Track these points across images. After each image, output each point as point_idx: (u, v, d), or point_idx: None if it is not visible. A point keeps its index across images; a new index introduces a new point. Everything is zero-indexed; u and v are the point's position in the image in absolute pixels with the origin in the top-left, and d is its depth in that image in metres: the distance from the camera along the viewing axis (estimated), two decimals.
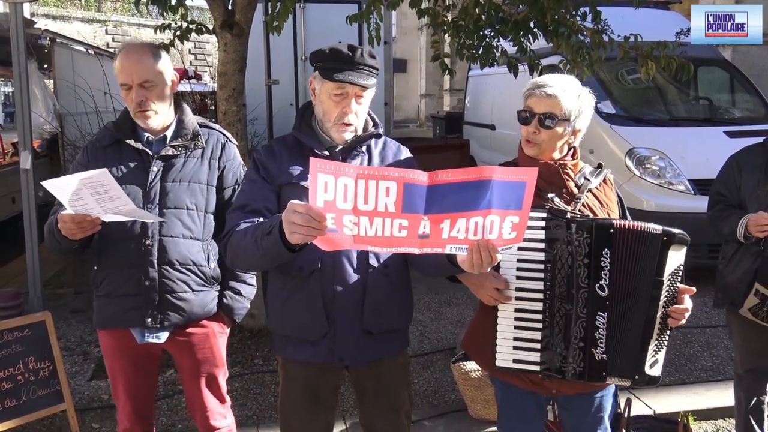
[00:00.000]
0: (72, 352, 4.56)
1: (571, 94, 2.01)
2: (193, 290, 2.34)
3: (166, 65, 2.33)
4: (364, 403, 2.24)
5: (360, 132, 2.08)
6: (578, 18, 4.77)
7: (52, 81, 7.89)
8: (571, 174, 2.08)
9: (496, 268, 1.99)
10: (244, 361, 4.33)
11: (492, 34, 5.21)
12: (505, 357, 2.04)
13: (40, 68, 8.02)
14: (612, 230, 1.93)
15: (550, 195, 2.02)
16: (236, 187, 2.40)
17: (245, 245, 1.85)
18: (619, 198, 2.20)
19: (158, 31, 4.77)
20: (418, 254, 1.61)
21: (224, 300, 2.44)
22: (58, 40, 7.87)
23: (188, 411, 2.63)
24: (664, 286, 1.95)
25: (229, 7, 4.22)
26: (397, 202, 1.49)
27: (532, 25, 4.78)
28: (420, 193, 1.50)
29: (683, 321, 2.00)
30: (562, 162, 2.07)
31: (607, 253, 1.93)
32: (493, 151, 8.92)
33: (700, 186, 5.65)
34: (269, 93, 8.23)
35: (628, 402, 2.84)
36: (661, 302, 1.96)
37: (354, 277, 2.04)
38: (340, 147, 2.04)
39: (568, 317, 1.98)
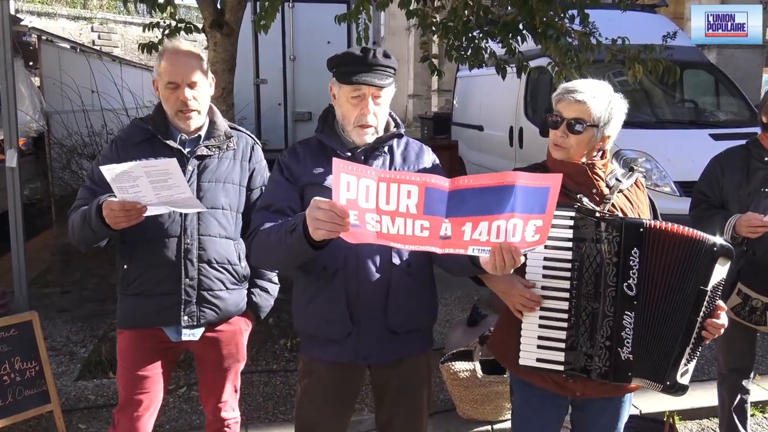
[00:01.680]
0: (58, 352, 4.52)
1: (601, 101, 2.01)
2: (227, 288, 2.40)
3: (207, 70, 2.39)
4: (384, 402, 2.24)
5: (381, 132, 2.09)
6: (566, 20, 4.81)
7: (38, 79, 7.81)
8: (601, 174, 2.06)
9: (522, 267, 1.98)
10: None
11: (481, 35, 5.24)
12: (528, 356, 2.03)
13: (26, 66, 7.94)
14: (642, 229, 1.91)
15: (579, 195, 2.01)
16: (263, 188, 2.47)
17: (270, 243, 1.89)
18: (651, 201, 2.19)
19: (147, 29, 4.76)
20: (441, 254, 1.62)
21: (253, 298, 2.52)
22: (44, 37, 7.81)
23: (201, 399, 2.64)
24: (706, 297, 1.92)
25: (219, 7, 4.21)
26: (418, 204, 1.52)
27: (521, 27, 4.81)
28: (441, 198, 1.52)
29: (716, 335, 1.98)
30: (591, 162, 2.06)
31: (636, 252, 1.91)
32: (481, 152, 8.96)
33: (685, 188, 5.70)
34: (257, 92, 8.22)
35: None
36: (701, 313, 1.93)
37: (377, 276, 2.04)
38: (362, 148, 2.06)
39: (595, 316, 1.97)
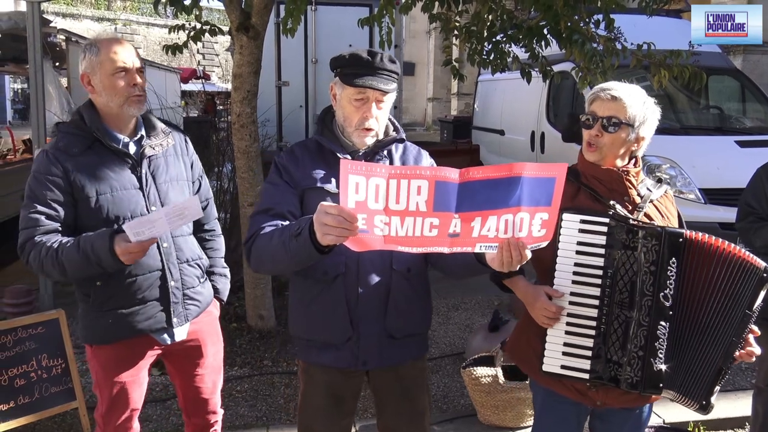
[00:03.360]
0: (81, 350, 4.56)
1: (636, 100, 2.00)
2: (200, 282, 2.43)
3: None
4: (385, 407, 2.24)
5: (381, 136, 2.08)
6: (592, 25, 4.78)
7: (66, 79, 7.93)
8: (634, 182, 2.04)
9: (552, 272, 1.98)
10: (253, 363, 4.34)
11: (504, 39, 5.22)
12: (553, 362, 2.01)
13: (54, 67, 8.07)
14: (681, 239, 1.89)
15: (612, 202, 1.99)
16: (200, 179, 2.52)
17: (272, 248, 1.85)
18: (678, 213, 2.17)
19: (172, 31, 4.81)
20: (447, 254, 1.61)
21: (216, 284, 2.58)
22: (72, 38, 7.92)
23: (183, 403, 2.59)
24: (751, 320, 1.89)
25: (245, 10, 4.24)
26: (428, 200, 1.50)
27: (545, 31, 4.78)
28: (451, 191, 1.50)
29: (750, 360, 1.95)
30: (625, 169, 2.03)
31: (674, 263, 1.89)
32: (502, 156, 8.93)
33: (710, 195, 5.65)
34: (279, 95, 8.27)
35: None
36: (743, 335, 1.89)
37: (377, 281, 2.04)
38: (362, 151, 2.05)
39: (628, 324, 1.93)
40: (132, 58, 2.21)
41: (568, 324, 1.99)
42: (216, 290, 2.57)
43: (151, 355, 2.38)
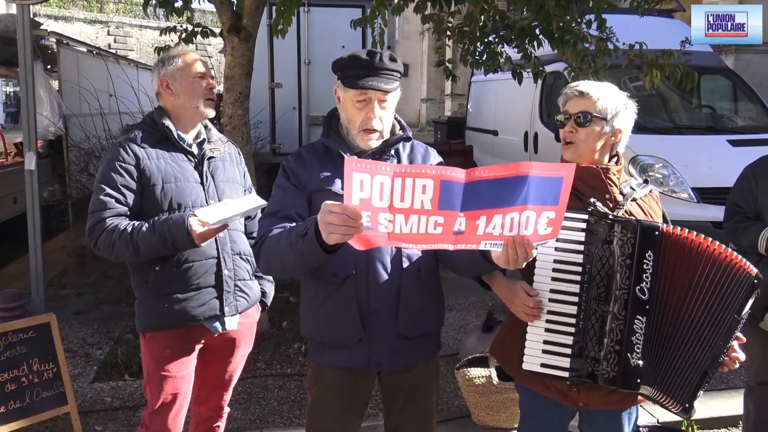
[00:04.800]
0: (74, 354, 4.55)
1: (605, 92, 2.02)
2: (251, 278, 2.57)
3: None
4: (394, 407, 2.22)
5: (387, 136, 2.07)
6: (584, 25, 4.79)
7: (57, 82, 7.89)
8: (614, 179, 2.04)
9: (531, 270, 1.97)
10: (246, 365, 4.30)
11: (497, 40, 5.23)
12: (532, 360, 2.00)
13: (45, 69, 8.04)
14: (657, 233, 1.88)
15: (592, 199, 1.99)
16: (250, 190, 2.68)
17: (280, 249, 1.85)
18: (663, 213, 2.16)
19: (163, 33, 4.79)
20: (452, 251, 1.60)
21: (263, 287, 2.68)
22: (63, 41, 7.88)
23: (200, 395, 2.65)
24: (739, 326, 1.87)
25: (236, 11, 4.23)
26: (433, 199, 1.49)
27: (537, 32, 4.79)
28: (457, 191, 1.49)
29: (734, 367, 1.94)
30: (604, 167, 2.04)
31: (650, 256, 1.88)
32: (495, 156, 8.93)
33: (703, 194, 5.66)
34: (272, 96, 8.25)
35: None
36: (730, 341, 1.88)
37: (388, 281, 2.03)
38: (369, 152, 2.04)
39: (605, 319, 1.93)
40: (206, 67, 2.51)
41: (547, 321, 1.98)
42: (264, 293, 2.68)
43: (195, 348, 2.48)
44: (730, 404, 3.74)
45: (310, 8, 8.11)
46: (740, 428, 3.53)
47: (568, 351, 1.97)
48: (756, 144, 5.94)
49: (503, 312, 5.01)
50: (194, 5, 4.49)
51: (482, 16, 4.95)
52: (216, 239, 2.40)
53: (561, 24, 4.51)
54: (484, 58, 5.27)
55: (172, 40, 4.72)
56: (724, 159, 5.82)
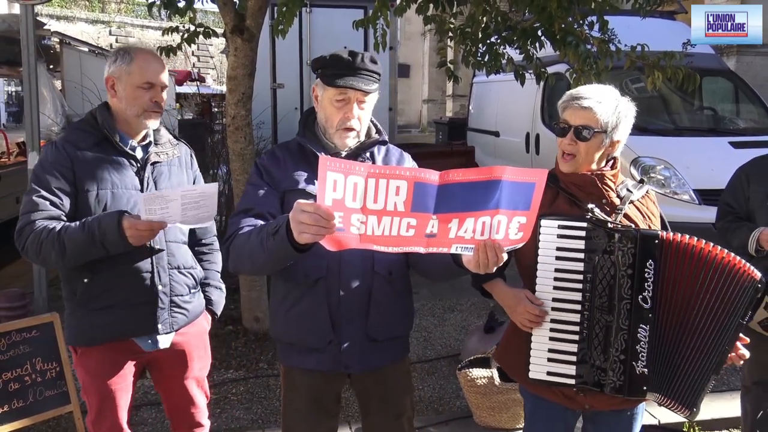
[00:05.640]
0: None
1: (608, 106, 1.99)
2: (191, 292, 2.40)
3: None
4: (367, 409, 2.24)
5: (363, 138, 2.07)
6: (585, 27, 4.80)
7: (60, 82, 7.90)
8: (611, 184, 2.04)
9: (533, 278, 1.97)
10: (248, 365, 4.33)
11: (498, 41, 5.23)
12: (538, 369, 2.00)
13: (48, 69, 8.05)
14: (657, 241, 1.88)
15: (590, 206, 1.98)
16: None
17: (250, 247, 1.83)
18: (661, 213, 2.17)
19: (166, 33, 4.80)
20: (424, 255, 1.60)
21: (211, 296, 2.55)
22: (66, 41, 7.90)
23: (169, 414, 2.57)
24: (742, 329, 1.87)
25: (240, 12, 4.24)
26: (406, 201, 1.49)
27: (539, 33, 4.79)
28: (430, 193, 1.49)
29: (738, 363, 1.95)
30: (599, 172, 2.04)
31: (651, 264, 1.88)
32: (497, 158, 8.94)
33: (704, 196, 5.66)
34: (274, 97, 8.26)
35: None
36: (735, 344, 1.87)
37: (359, 284, 2.03)
38: (344, 153, 2.03)
39: (608, 329, 1.93)
40: (160, 76, 2.29)
41: (551, 330, 1.98)
42: (209, 301, 2.54)
43: (135, 363, 2.36)
44: (731, 406, 3.74)
45: (312, 9, 8.12)
46: (741, 429, 3.54)
47: (574, 359, 1.97)
48: (757, 146, 5.94)
49: (504, 313, 5.03)
50: (197, 5, 4.48)
51: (484, 18, 4.96)
52: (151, 251, 2.24)
53: (563, 25, 4.51)
54: (485, 59, 5.27)
55: (173, 40, 4.73)
56: (725, 161, 5.80)
